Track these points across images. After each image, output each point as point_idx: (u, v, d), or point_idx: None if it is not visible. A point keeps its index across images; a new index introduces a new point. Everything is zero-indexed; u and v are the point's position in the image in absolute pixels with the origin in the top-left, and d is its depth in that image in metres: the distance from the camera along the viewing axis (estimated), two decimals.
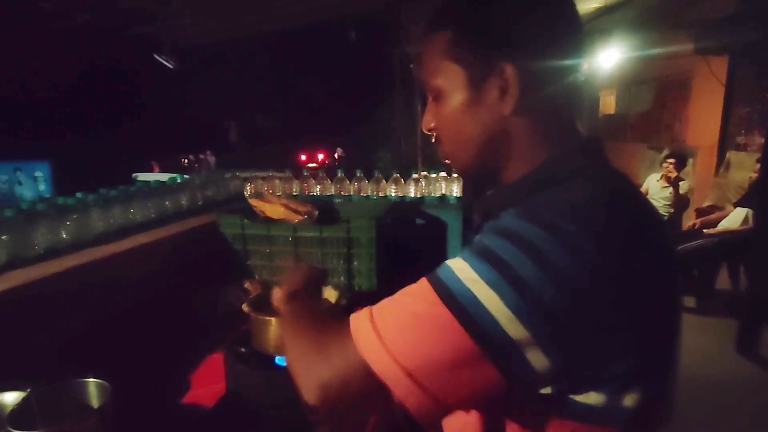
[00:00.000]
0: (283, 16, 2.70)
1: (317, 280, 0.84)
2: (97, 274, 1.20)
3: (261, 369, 0.97)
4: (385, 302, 0.53)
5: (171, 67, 2.19)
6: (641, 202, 0.58)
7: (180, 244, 1.53)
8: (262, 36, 3.16)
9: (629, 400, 0.50)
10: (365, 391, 0.51)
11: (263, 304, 1.05)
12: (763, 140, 3.87)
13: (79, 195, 1.39)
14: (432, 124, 0.63)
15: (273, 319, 0.98)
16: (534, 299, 0.44)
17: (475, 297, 0.46)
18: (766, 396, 2.60)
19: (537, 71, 0.56)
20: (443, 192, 2.05)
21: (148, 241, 1.40)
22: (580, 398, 0.50)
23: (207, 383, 1.08)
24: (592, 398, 0.50)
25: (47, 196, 1.75)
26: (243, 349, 1.00)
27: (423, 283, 0.51)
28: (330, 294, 1.09)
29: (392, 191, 2.08)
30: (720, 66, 5.07)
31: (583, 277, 0.45)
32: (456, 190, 2.03)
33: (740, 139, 4.89)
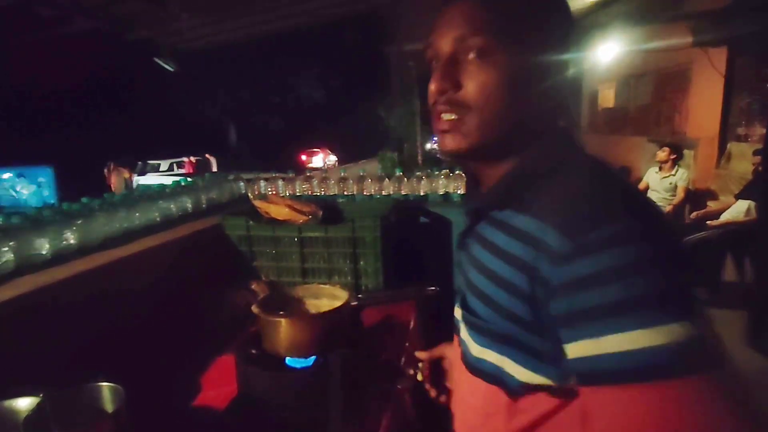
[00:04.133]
0: (279, 19, 2.69)
1: None
2: (104, 279, 1.20)
3: (271, 370, 0.97)
4: None
5: (171, 70, 2.19)
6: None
7: (186, 246, 1.53)
8: (261, 38, 3.14)
9: None
10: None
11: (272, 305, 1.06)
12: (764, 131, 3.87)
13: (84, 200, 1.40)
14: (466, 84, 0.58)
15: (282, 320, 0.98)
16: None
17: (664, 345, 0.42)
18: None
19: (548, 62, 0.58)
20: (446, 190, 2.04)
21: (154, 245, 1.40)
22: None
23: (218, 385, 1.08)
24: None
25: (52, 201, 1.75)
26: (253, 351, 1.00)
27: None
28: (339, 294, 1.09)
29: (396, 190, 2.08)
30: (719, 57, 5.06)
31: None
32: (459, 187, 2.03)
33: (741, 130, 4.88)
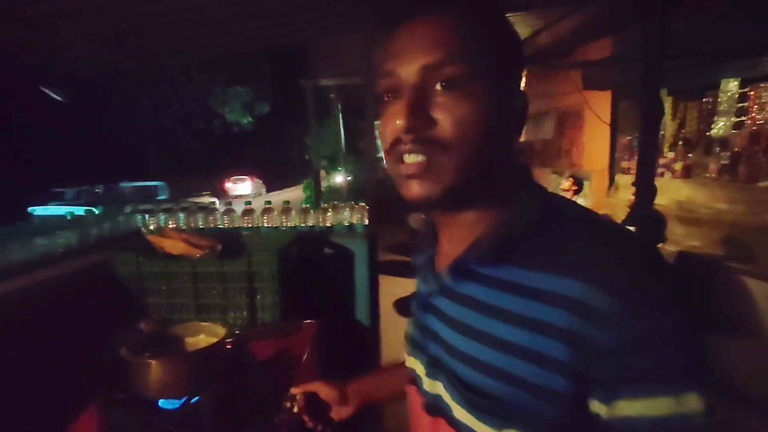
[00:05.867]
0: (193, 48, 2.68)
1: None
2: None
3: (140, 414, 0.95)
4: None
5: (60, 99, 2.08)
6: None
7: (66, 285, 1.45)
8: (179, 64, 3.09)
9: None
10: None
11: (144, 346, 1.03)
12: None
13: None
14: (441, 117, 0.50)
15: (153, 362, 0.96)
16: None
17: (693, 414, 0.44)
18: None
19: (518, 92, 0.55)
20: (351, 221, 2.11)
21: (26, 284, 1.31)
22: None
23: None
24: None
25: None
26: (120, 395, 0.96)
27: None
28: (218, 330, 1.09)
29: (302, 221, 2.11)
30: (605, 99, 5.75)
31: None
32: (363, 218, 2.11)
33: (625, 164, 5.54)
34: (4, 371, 1.07)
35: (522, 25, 4.70)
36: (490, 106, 0.50)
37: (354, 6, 2.20)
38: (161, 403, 0.98)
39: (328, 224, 2.11)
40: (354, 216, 2.11)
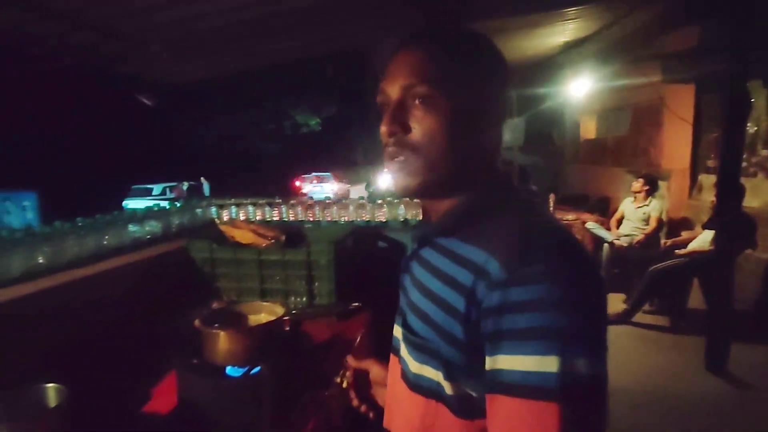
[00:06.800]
0: (260, 56, 2.89)
1: None
2: (69, 294, 1.31)
3: (209, 378, 1.07)
4: None
5: (149, 104, 2.36)
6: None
7: (152, 267, 1.65)
8: (250, 71, 3.33)
9: None
10: None
11: (215, 320, 1.17)
12: None
13: (56, 224, 1.52)
14: (415, 126, 0.63)
15: (220, 332, 1.09)
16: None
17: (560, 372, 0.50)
18: (736, 413, 2.67)
19: (496, 105, 0.66)
20: (405, 217, 2.18)
21: (119, 265, 1.52)
22: None
23: (166, 395, 1.18)
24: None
25: (33, 224, 1.87)
26: (194, 361, 1.10)
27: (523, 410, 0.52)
28: (277, 309, 1.20)
29: (358, 216, 2.21)
30: (687, 94, 5.31)
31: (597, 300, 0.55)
32: (418, 214, 2.16)
33: (710, 163, 5.08)
34: (101, 341, 1.25)
35: (590, 19, 4.49)
36: (456, 116, 0.63)
37: (406, 8, 2.26)
38: (228, 370, 1.11)
39: (383, 219, 2.19)
40: (409, 212, 2.17)
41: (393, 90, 0.65)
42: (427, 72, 0.63)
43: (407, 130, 0.64)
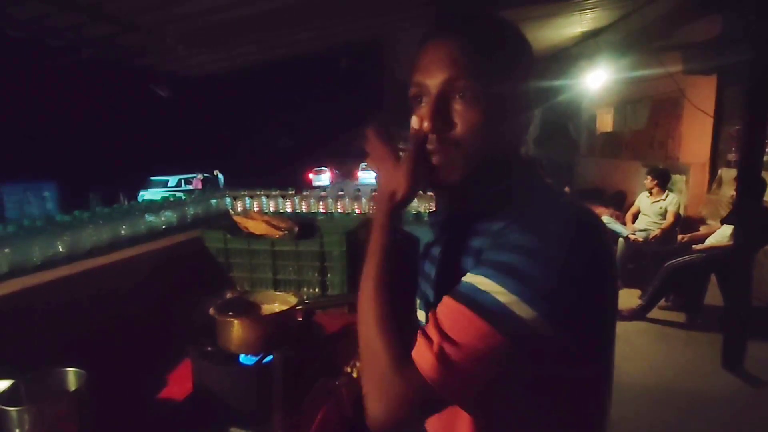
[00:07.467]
0: (276, 48, 2.90)
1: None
2: (87, 282, 1.34)
3: (223, 365, 1.09)
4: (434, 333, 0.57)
5: (164, 95, 2.39)
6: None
7: (167, 256, 1.68)
8: (263, 64, 3.35)
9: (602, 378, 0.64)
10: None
11: (229, 308, 1.19)
12: None
13: (76, 213, 1.55)
14: (457, 121, 0.63)
15: (235, 321, 1.10)
16: (545, 291, 0.54)
17: (501, 303, 0.54)
18: (752, 410, 2.64)
19: (529, 94, 0.67)
20: (418, 209, 2.17)
21: (136, 254, 1.55)
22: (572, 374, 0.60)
23: (181, 381, 1.21)
24: (583, 373, 0.61)
25: (53, 214, 1.92)
26: (209, 348, 1.12)
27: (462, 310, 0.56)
28: (290, 299, 1.22)
29: (371, 208, 2.21)
30: (709, 85, 5.18)
31: (580, 271, 0.56)
32: (430, 207, 2.16)
33: (731, 156, 4.97)
34: (118, 328, 1.28)
35: (608, 9, 4.39)
36: (496, 109, 0.63)
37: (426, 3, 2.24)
38: (241, 358, 1.13)
39: None
40: (422, 204, 2.17)
41: (433, 83, 0.63)
42: (468, 65, 0.62)
43: (451, 125, 0.63)
